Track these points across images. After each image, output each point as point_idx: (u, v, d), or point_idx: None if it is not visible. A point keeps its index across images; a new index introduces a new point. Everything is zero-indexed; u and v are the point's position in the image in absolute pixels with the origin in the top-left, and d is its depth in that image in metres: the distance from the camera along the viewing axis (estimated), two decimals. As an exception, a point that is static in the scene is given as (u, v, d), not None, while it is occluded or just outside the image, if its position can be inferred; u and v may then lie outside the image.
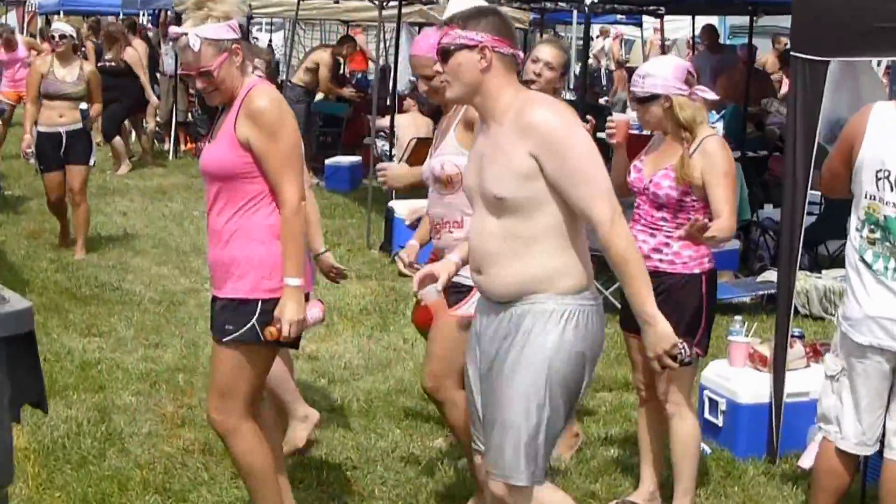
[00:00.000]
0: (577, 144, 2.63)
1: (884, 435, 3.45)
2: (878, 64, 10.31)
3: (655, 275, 3.41)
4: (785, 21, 7.80)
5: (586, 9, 7.37)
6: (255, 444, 3.12)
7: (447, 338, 3.44)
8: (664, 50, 11.27)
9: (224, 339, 2.97)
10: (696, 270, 3.60)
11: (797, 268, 4.25)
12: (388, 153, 10.35)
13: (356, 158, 10.33)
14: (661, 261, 3.60)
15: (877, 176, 3.34)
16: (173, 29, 3.14)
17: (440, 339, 3.50)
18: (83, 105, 7.06)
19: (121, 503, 3.65)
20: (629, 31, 17.24)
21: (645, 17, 13.35)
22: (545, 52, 4.05)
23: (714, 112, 10.72)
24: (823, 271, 6.85)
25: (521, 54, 2.87)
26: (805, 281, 6.57)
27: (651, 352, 2.70)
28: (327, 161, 10.38)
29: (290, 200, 2.97)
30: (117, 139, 10.81)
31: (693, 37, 12.08)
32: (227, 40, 2.96)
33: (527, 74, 3.91)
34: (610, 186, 2.65)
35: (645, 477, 3.83)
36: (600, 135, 3.90)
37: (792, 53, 4.21)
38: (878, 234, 3.38)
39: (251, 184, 3.00)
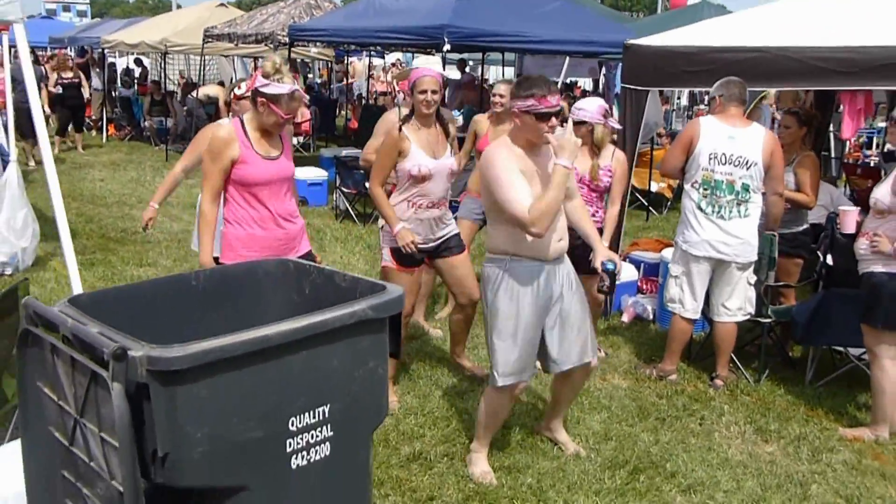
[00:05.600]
0: None
1: (713, 306, 4.65)
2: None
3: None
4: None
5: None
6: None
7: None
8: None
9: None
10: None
11: (624, 212, 5.27)
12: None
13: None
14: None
15: (709, 157, 4.49)
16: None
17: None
18: None
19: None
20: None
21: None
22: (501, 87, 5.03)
23: (457, 110, 14.34)
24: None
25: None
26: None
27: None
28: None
29: None
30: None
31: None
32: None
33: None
34: None
35: None
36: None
37: (623, 85, 5.50)
38: (709, 191, 4.50)
39: None
